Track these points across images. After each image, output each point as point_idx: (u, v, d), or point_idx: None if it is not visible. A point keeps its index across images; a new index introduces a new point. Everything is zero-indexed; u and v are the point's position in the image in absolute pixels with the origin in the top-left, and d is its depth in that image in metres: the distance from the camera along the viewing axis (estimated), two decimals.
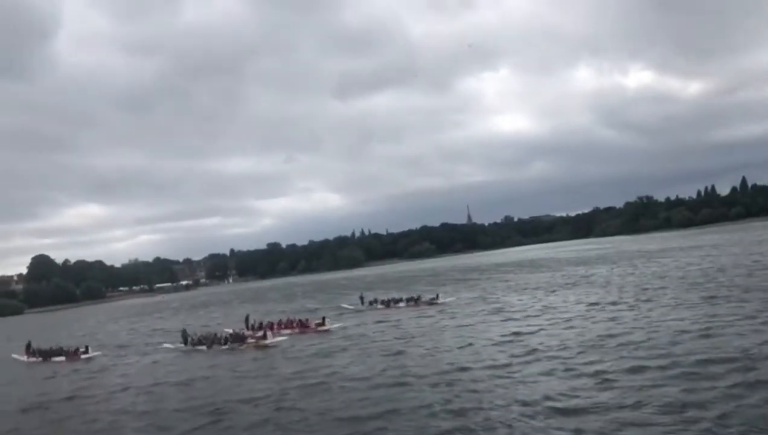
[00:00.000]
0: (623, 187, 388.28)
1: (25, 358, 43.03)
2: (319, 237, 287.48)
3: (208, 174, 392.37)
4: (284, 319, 44.60)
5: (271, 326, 41.06)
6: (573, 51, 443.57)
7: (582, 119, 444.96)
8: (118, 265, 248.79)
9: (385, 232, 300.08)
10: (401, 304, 51.56)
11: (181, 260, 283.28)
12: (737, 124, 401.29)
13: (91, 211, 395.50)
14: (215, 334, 39.88)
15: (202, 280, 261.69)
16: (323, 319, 41.87)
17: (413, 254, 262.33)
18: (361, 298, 56.19)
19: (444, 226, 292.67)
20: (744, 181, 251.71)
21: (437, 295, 52.63)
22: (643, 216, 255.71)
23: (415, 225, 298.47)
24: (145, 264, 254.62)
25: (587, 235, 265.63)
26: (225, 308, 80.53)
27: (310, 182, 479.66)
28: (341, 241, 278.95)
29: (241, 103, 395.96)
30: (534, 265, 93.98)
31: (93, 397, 26.45)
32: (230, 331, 41.01)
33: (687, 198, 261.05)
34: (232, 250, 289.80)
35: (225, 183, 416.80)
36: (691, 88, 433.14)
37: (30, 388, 31.55)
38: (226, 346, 37.01)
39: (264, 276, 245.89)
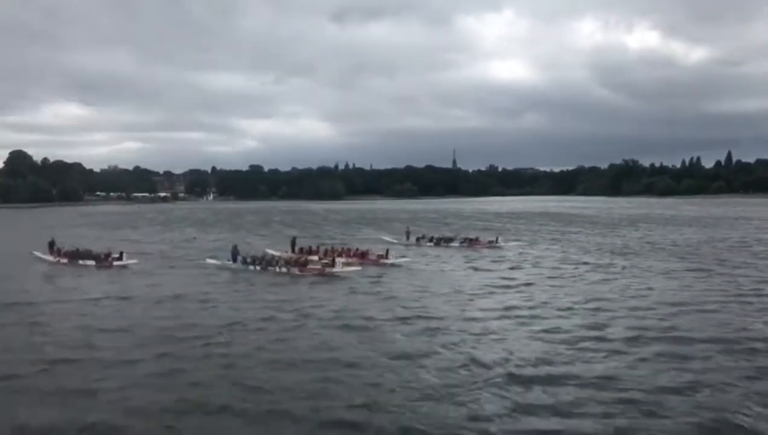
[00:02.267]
0: (610, 148, 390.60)
1: (49, 257, 39.92)
2: (302, 165, 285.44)
3: (195, 87, 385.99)
4: (336, 246, 41.91)
5: (327, 253, 38.55)
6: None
7: (580, 74, 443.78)
8: (97, 169, 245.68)
9: (369, 168, 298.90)
10: (454, 244, 49.25)
11: (161, 172, 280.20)
12: (733, 97, 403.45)
13: (72, 111, 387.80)
14: (272, 255, 37.41)
15: (181, 195, 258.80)
16: (387, 251, 39.64)
17: (395, 193, 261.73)
18: (407, 232, 53.37)
19: (428, 168, 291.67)
20: (729, 157, 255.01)
21: (497, 238, 50.17)
22: (625, 179, 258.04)
23: (400, 164, 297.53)
24: (125, 172, 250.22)
25: (568, 192, 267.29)
26: (217, 228, 78.21)
27: (298, 107, 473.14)
28: (324, 172, 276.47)
29: (235, 17, 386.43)
30: (558, 219, 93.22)
31: (136, 309, 24.09)
32: (277, 253, 38.57)
33: (671, 166, 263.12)
34: (213, 168, 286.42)
35: (211, 98, 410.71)
36: (695, 54, 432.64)
37: (67, 291, 29.00)
38: (284, 270, 34.31)
39: (244, 197, 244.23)
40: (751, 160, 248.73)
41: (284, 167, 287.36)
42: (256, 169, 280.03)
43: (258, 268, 34.98)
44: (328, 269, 33.56)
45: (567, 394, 14.17)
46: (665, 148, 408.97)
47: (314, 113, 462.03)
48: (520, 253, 43.93)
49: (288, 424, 12.66)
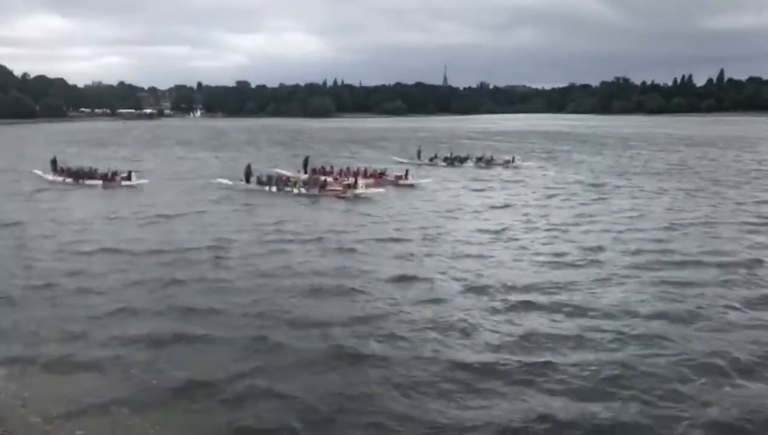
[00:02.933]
0: (602, 65, 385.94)
1: (50, 176, 38.63)
2: (290, 81, 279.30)
3: None
4: (353, 167, 40.81)
5: (342, 173, 37.72)
6: None
7: None
8: (80, 85, 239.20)
9: (358, 84, 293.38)
10: (468, 164, 48.22)
11: (146, 88, 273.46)
12: (727, 13, 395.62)
13: (52, 23, 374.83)
14: (287, 176, 36.41)
15: (167, 111, 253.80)
16: (406, 171, 38.75)
17: (385, 111, 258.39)
18: (419, 152, 52.06)
19: (419, 85, 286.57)
20: (721, 74, 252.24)
21: (513, 157, 49.15)
22: (616, 97, 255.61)
23: (390, 81, 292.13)
24: (109, 87, 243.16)
25: (560, 110, 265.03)
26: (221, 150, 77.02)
27: (286, 21, 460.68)
28: (312, 89, 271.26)
29: None
30: (560, 139, 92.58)
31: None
32: (288, 173, 37.53)
33: (663, 84, 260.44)
34: (199, 84, 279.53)
35: (196, 10, 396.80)
36: None
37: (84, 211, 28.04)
38: (303, 190, 33.36)
39: (231, 114, 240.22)
40: (744, 77, 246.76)
41: (272, 83, 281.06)
42: (243, 85, 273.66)
43: (274, 188, 34.05)
44: (350, 190, 32.58)
45: (567, 322, 13.87)
46: (658, 65, 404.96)
47: (302, 27, 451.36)
48: (542, 174, 43.30)
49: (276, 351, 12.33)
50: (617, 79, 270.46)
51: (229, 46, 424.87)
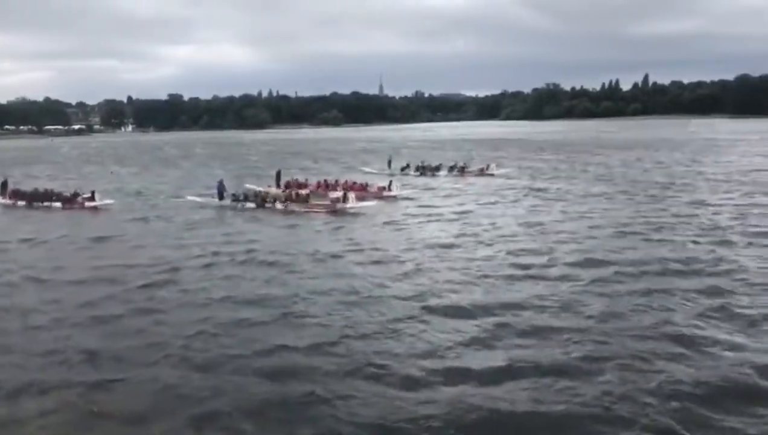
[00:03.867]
0: (533, 71, 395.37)
1: (1, 199, 35.63)
2: (224, 93, 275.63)
3: (107, 9, 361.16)
4: (330, 179, 38.94)
5: (320, 186, 36.24)
6: None
7: None
8: (3, 101, 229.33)
9: (294, 95, 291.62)
10: (441, 173, 47.19)
11: (74, 103, 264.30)
12: (652, 20, 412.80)
13: None
14: (265, 191, 34.33)
15: (97, 126, 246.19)
16: (390, 182, 36.94)
17: (322, 121, 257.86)
18: (389, 161, 50.99)
19: (355, 94, 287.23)
20: (646, 79, 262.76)
21: (488, 165, 48.08)
22: (547, 103, 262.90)
23: (326, 91, 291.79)
24: (34, 103, 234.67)
25: (494, 117, 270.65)
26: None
27: (217, 32, 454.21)
28: (247, 100, 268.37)
29: None
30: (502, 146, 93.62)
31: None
32: (260, 189, 35.59)
33: (591, 89, 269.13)
34: (129, 98, 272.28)
35: (124, 22, 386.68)
36: None
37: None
38: (286, 206, 31.11)
39: (164, 128, 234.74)
40: (666, 81, 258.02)
41: (205, 96, 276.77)
42: (175, 98, 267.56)
43: (252, 205, 31.88)
44: (340, 205, 30.38)
45: (520, 324, 13.65)
46: (586, 70, 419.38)
47: (234, 38, 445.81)
48: (519, 182, 41.77)
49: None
50: (548, 85, 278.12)
51: (160, 59, 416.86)
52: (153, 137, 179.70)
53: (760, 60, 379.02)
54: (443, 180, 44.55)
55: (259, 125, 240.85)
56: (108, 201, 33.88)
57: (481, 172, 46.52)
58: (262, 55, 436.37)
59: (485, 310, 14.54)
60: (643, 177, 42.67)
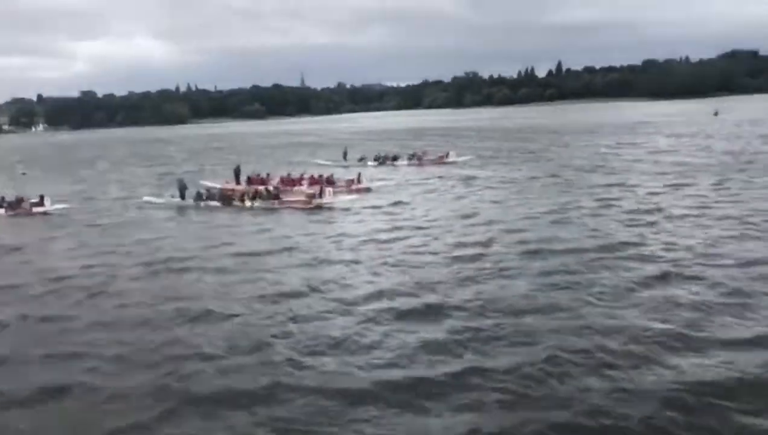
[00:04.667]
0: (453, 60, 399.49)
1: None
2: (140, 88, 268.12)
3: (10, 3, 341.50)
4: (294, 174, 37.17)
5: (285, 181, 34.49)
6: None
7: None
8: None
9: (213, 89, 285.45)
10: (400, 162, 46.52)
11: None
12: (564, 8, 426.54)
13: None
14: (231, 189, 32.47)
15: (5, 127, 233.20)
16: (359, 175, 35.48)
17: (243, 114, 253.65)
18: (345, 152, 49.84)
19: (276, 87, 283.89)
20: (559, 65, 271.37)
21: (447, 153, 47.47)
22: (467, 91, 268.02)
23: (246, 84, 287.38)
24: None
25: (416, 106, 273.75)
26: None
27: (132, 25, 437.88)
28: (165, 95, 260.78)
29: None
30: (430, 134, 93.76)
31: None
32: (219, 186, 33.90)
33: (509, 77, 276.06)
34: (39, 96, 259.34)
35: (31, 16, 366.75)
36: None
37: None
38: (256, 203, 29.22)
39: (78, 126, 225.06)
40: (579, 67, 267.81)
41: (121, 91, 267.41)
42: (89, 95, 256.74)
43: (217, 203, 30.21)
44: (316, 201, 28.62)
45: (465, 322, 13.07)
46: (504, 58, 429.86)
47: (149, 31, 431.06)
48: (481, 171, 40.70)
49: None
50: (467, 73, 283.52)
51: (71, 54, 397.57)
52: (67, 136, 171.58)
53: (664, 45, 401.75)
54: (405, 170, 43.80)
55: (179, 120, 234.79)
56: (60, 205, 31.53)
57: (441, 160, 46.10)
58: (180, 48, 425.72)
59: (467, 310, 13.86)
60: (595, 162, 42.67)
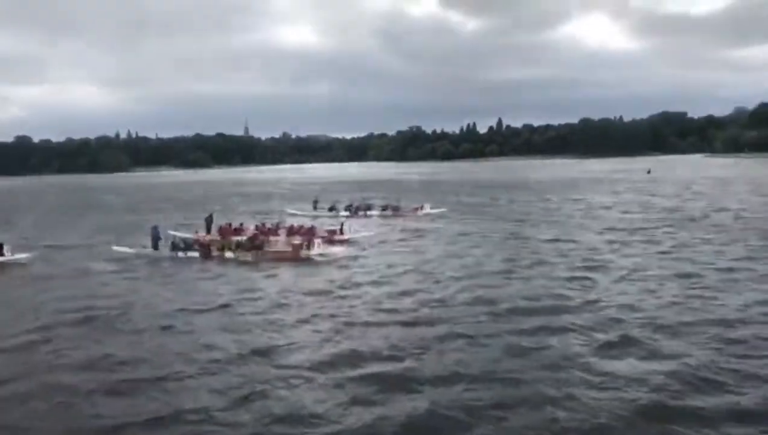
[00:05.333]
0: (397, 114, 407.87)
1: None
2: (78, 135, 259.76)
3: None
4: (270, 223, 35.46)
5: (262, 231, 32.38)
6: None
7: (367, 42, 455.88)
8: None
9: (154, 137, 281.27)
10: (373, 212, 45.66)
11: None
12: (505, 66, 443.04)
13: None
14: (209, 239, 30.89)
15: None
16: (342, 225, 34.02)
17: (186, 163, 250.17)
18: (315, 202, 48.87)
19: (220, 136, 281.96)
20: (500, 122, 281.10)
21: (422, 205, 46.78)
22: (411, 145, 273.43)
23: (189, 132, 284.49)
24: None
25: (361, 158, 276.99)
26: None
27: (70, 71, 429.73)
28: (104, 142, 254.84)
29: None
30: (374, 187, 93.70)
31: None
32: (187, 235, 32.37)
33: (451, 132, 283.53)
34: None
35: None
36: (471, 24, 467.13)
37: None
38: (234, 256, 27.56)
39: (11, 172, 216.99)
40: (519, 125, 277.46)
41: (57, 138, 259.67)
42: (24, 141, 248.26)
43: (195, 254, 28.44)
44: (304, 252, 27.04)
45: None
46: (446, 114, 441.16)
47: (89, 78, 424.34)
48: (459, 224, 39.95)
49: None
50: (411, 127, 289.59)
51: (5, 99, 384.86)
52: (2, 182, 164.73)
53: (600, 104, 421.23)
54: (380, 221, 42.51)
55: (118, 168, 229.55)
56: (21, 255, 29.08)
57: (415, 211, 45.49)
58: (119, 96, 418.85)
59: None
60: (551, 215, 43.78)
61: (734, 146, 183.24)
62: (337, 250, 28.12)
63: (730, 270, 22.38)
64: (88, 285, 23.68)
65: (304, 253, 27.18)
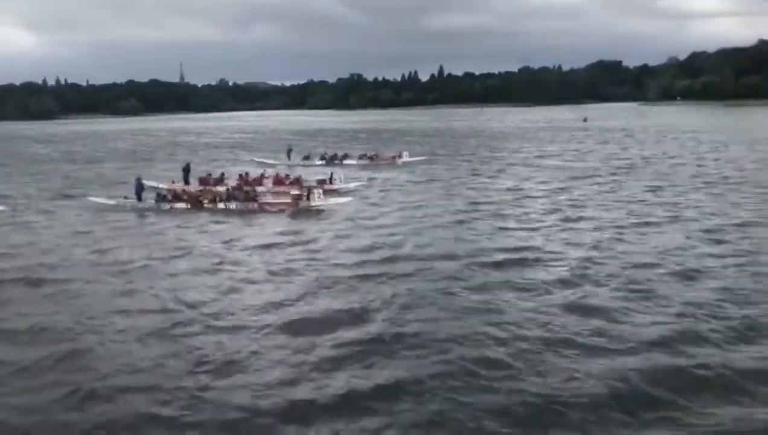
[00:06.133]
0: (338, 61, 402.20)
1: None
2: (2, 80, 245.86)
3: None
4: (253, 174, 34.19)
5: (245, 180, 31.47)
6: None
7: None
8: None
9: (85, 83, 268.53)
10: (350, 161, 44.88)
11: None
12: (444, 14, 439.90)
13: None
14: (198, 189, 29.19)
15: None
16: (331, 175, 32.80)
17: (118, 111, 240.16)
18: (289, 151, 47.77)
19: (154, 82, 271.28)
20: (441, 70, 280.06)
21: (401, 153, 46.42)
22: (352, 93, 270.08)
23: (121, 79, 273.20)
24: None
25: (300, 106, 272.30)
26: None
27: None
28: (31, 88, 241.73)
29: None
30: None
31: None
32: (165, 185, 30.88)
33: (393, 80, 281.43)
34: None
35: None
36: None
37: None
38: (229, 206, 26.39)
39: None
40: (460, 73, 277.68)
41: None
42: None
43: (185, 205, 26.92)
44: (303, 203, 26.15)
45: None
46: (388, 62, 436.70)
47: (14, 20, 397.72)
48: (428, 169, 40.87)
49: None
50: (352, 75, 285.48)
51: None
52: None
53: (539, 53, 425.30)
54: (360, 170, 41.23)
55: (47, 116, 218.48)
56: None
57: (393, 160, 45.30)
58: (47, 39, 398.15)
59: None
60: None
61: (667, 94, 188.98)
62: (337, 200, 26.93)
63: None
64: (85, 242, 21.57)
65: (303, 203, 26.19)
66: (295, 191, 27.58)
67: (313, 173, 37.06)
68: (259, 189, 29.29)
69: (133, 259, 18.69)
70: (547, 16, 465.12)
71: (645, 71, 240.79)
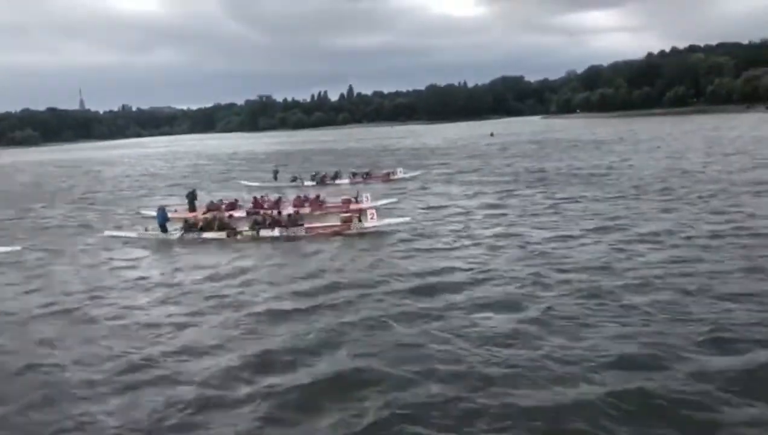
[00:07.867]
0: (245, 83, 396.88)
1: None
2: None
3: None
4: (268, 197, 32.03)
5: (264, 204, 29.64)
6: None
7: (210, 7, 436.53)
8: None
9: None
10: (343, 180, 43.07)
11: None
12: (353, 33, 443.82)
13: None
14: (229, 215, 26.97)
15: None
16: (357, 193, 31.19)
17: (13, 141, 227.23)
18: (275, 172, 46.36)
19: (51, 111, 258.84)
20: (350, 90, 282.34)
21: (396, 170, 45.45)
22: (262, 115, 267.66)
23: (15, 107, 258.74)
24: None
25: (209, 130, 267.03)
26: None
27: None
28: None
29: None
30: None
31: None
32: (181, 215, 28.19)
33: (302, 100, 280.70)
34: None
35: None
36: None
37: None
38: (273, 233, 23.75)
39: None
40: (369, 92, 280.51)
41: None
42: None
43: (222, 235, 24.17)
44: (356, 226, 23.95)
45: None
46: (296, 82, 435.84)
47: None
48: (426, 185, 39.82)
49: None
50: (260, 97, 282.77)
51: None
52: None
53: (444, 69, 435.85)
54: (362, 187, 37.64)
55: None
56: (5, 248, 23.54)
57: (388, 177, 44.03)
58: None
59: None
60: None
61: (567, 107, 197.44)
62: (391, 221, 24.65)
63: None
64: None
65: (356, 226, 24.08)
66: (344, 214, 25.65)
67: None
68: (309, 212, 27.67)
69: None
70: (449, 33, 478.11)
71: (545, 86, 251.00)
